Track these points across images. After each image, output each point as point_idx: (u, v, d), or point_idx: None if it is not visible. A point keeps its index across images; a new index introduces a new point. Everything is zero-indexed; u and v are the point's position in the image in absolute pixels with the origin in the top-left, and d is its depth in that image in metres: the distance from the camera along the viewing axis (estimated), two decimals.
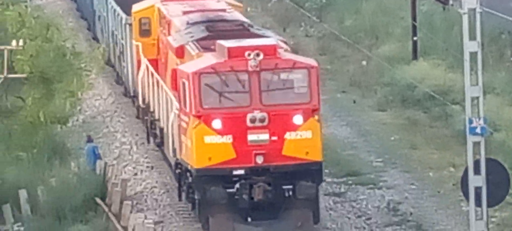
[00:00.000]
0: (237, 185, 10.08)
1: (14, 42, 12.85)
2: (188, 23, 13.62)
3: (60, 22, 18.14)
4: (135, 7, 17.03)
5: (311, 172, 10.33)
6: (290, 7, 30.19)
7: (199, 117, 10.11)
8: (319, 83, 10.86)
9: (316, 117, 10.41)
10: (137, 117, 18.15)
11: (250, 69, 10.02)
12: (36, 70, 13.88)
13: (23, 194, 13.19)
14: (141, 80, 16.00)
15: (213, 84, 10.32)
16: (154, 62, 15.59)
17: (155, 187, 14.90)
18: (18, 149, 14.00)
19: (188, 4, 15.85)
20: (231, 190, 10.06)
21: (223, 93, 10.34)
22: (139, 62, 16.27)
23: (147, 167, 16.23)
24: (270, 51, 10.42)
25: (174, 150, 12.31)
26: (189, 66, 10.97)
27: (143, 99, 16.24)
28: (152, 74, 14.98)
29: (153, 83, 15.07)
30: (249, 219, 10.37)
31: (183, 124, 11.08)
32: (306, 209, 10.34)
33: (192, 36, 12.62)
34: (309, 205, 10.38)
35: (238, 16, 15.01)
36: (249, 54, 9.97)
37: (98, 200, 13.43)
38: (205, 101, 10.22)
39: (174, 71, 11.44)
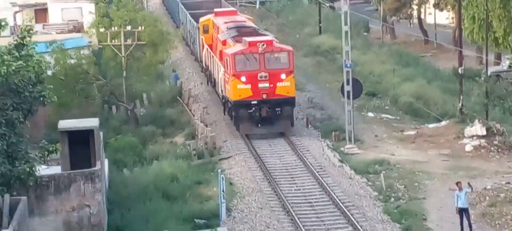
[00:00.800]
0: (253, 108, 17.75)
1: (140, 28, 24.01)
2: (227, 28, 22.82)
3: (161, 19, 30.78)
4: (201, 19, 27.38)
5: (290, 102, 18.26)
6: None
7: (234, 75, 18.04)
8: (293, 59, 19.19)
9: (292, 75, 18.64)
10: (201, 71, 29.00)
11: (259, 51, 18.11)
12: (150, 40, 24.13)
13: (144, 95, 25.40)
14: (204, 54, 26.64)
15: (241, 59, 18.26)
16: (210, 46, 25.03)
17: (203, 92, 26.49)
18: (143, 75, 24.76)
19: (227, 18, 25.37)
20: (250, 111, 17.81)
21: (246, 64, 18.26)
22: (203, 46, 26.45)
23: (200, 83, 27.88)
24: (269, 43, 18.65)
25: (221, 90, 21.14)
26: (229, 50, 19.42)
27: (205, 63, 26.79)
28: (209, 52, 24.87)
29: (209, 56, 25.02)
30: (259, 125, 18.19)
31: (226, 78, 19.17)
32: (287, 120, 18.37)
33: (229, 35, 21.65)
34: (289, 118, 18.37)
35: (251, 24, 24.75)
36: (259, 44, 18.17)
37: (178, 98, 25.38)
38: (237, 68, 18.17)
39: (221, 52, 20.32)
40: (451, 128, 18.54)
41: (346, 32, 17.45)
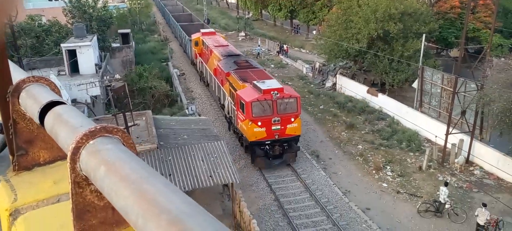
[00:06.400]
0: (267, 146, 20.40)
1: (142, 2, 58.12)
2: (222, 55, 27.54)
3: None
4: (193, 36, 36.84)
5: (296, 139, 20.90)
6: None
7: (252, 121, 19.91)
8: (300, 103, 20.71)
9: (299, 118, 20.61)
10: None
11: (273, 99, 19.89)
12: (145, 5, 59.41)
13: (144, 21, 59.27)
14: (197, 60, 35.65)
15: (257, 106, 19.92)
16: (200, 54, 34.30)
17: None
18: (144, 15, 60.93)
19: (212, 39, 32.81)
20: (263, 148, 20.38)
21: (261, 110, 19.97)
22: (196, 55, 35.86)
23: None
24: (281, 90, 20.23)
25: (230, 118, 24.07)
26: (245, 95, 20.37)
27: (198, 66, 35.89)
28: (201, 61, 33.72)
29: (200, 63, 33.88)
30: (270, 158, 20.59)
31: (241, 117, 20.90)
32: (293, 153, 21.05)
33: (230, 67, 24.51)
34: (294, 151, 21.10)
35: (236, 50, 30.50)
36: (272, 92, 19.83)
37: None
38: (254, 113, 19.91)
39: (237, 94, 21.18)
40: (235, 33, 52.87)
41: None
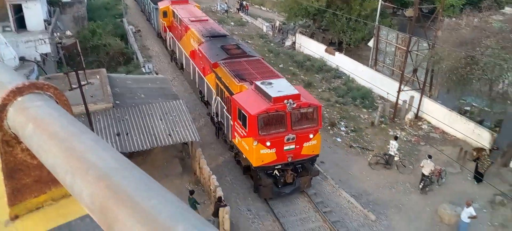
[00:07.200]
0: (276, 171, 15.45)
1: None
2: (203, 35, 21.28)
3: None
4: (160, 5, 30.36)
5: (313, 159, 15.99)
6: None
7: (258, 140, 14.75)
8: (321, 113, 15.39)
9: (319, 133, 15.60)
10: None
11: (287, 110, 14.59)
12: None
13: None
14: (167, 36, 29.54)
15: (265, 120, 14.71)
16: (170, 28, 28.76)
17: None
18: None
19: (184, 9, 26.86)
20: (271, 173, 15.47)
21: (271, 125, 14.80)
22: (165, 29, 29.89)
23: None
24: (297, 97, 14.77)
25: (218, 123, 19.19)
26: (248, 105, 14.88)
27: (160, 34, 32.55)
28: (166, 31, 29.35)
29: (169, 36, 28.73)
30: (280, 186, 15.70)
31: (241, 132, 15.61)
32: (308, 177, 16.13)
33: (217, 55, 18.76)
34: (310, 175, 16.05)
35: (219, 27, 23.92)
36: (286, 101, 14.45)
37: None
38: (261, 131, 14.70)
39: (234, 101, 15.62)
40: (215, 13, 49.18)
41: None
